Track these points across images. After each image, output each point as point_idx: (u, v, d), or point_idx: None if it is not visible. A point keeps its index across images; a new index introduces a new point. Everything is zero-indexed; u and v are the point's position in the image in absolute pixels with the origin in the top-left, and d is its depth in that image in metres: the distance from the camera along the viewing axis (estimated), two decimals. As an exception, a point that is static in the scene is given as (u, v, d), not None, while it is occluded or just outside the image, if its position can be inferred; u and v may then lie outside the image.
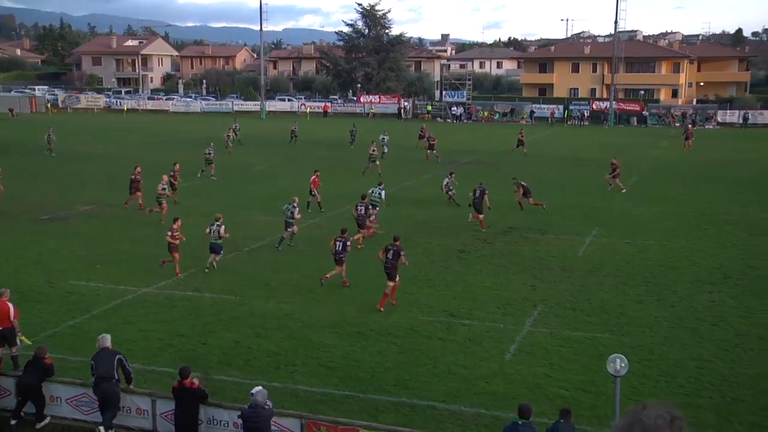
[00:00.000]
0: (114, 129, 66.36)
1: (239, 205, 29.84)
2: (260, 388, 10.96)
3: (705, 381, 14.00)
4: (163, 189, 27.04)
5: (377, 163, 38.30)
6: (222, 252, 20.82)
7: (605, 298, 18.85)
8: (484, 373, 14.30)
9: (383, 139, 47.40)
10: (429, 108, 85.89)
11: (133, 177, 28.90)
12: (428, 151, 46.63)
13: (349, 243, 19.31)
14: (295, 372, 14.20)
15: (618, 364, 10.23)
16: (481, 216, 25.97)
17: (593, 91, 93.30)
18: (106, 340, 12.11)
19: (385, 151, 46.15)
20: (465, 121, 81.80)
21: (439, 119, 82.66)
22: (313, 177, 29.16)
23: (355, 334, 16.22)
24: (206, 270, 20.54)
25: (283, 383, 13.60)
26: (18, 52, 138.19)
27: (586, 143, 58.53)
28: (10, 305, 13.62)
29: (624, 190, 34.10)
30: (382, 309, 17.48)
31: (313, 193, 28.77)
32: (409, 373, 14.21)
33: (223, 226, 20.59)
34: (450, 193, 30.87)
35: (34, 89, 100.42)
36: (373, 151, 39.15)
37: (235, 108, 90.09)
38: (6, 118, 77.56)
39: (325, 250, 22.41)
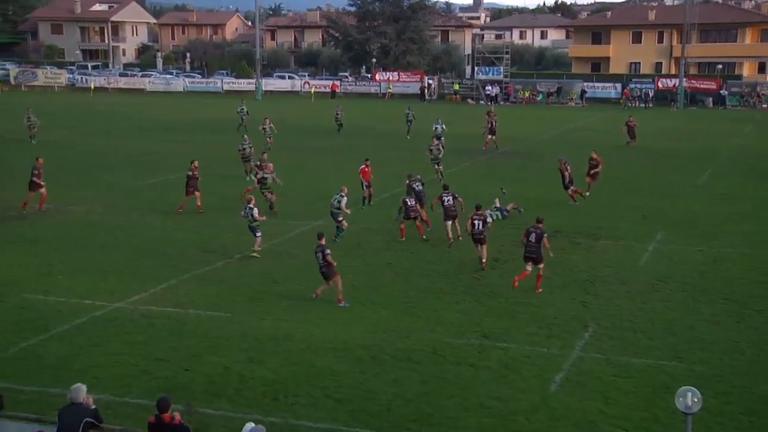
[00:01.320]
0: (78, 112, 66.93)
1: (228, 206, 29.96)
2: (254, 425, 10.98)
3: (795, 419, 13.90)
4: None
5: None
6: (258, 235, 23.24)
7: (673, 318, 18.76)
8: (523, 407, 14.26)
9: (436, 128, 48.12)
10: (456, 87, 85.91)
11: (190, 173, 28.89)
12: (490, 136, 46.88)
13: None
14: (296, 404, 14.23)
15: (689, 398, 10.16)
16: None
17: (658, 65, 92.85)
18: (78, 392, 11.58)
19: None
20: (501, 102, 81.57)
21: (469, 101, 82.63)
22: (363, 167, 30.36)
23: (368, 358, 16.23)
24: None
25: (281, 418, 13.64)
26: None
27: (648, 129, 58.18)
28: None
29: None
30: (516, 285, 20.19)
31: (367, 185, 30.17)
32: (433, 407, 14.20)
33: (255, 209, 23.29)
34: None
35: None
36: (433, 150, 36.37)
37: (225, 87, 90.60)
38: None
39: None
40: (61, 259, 22.93)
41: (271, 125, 43.46)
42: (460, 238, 24.69)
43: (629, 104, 76.82)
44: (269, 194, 28.70)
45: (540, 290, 20.38)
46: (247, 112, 53.60)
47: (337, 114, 53.70)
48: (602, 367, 15.98)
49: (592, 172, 32.43)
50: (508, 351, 16.70)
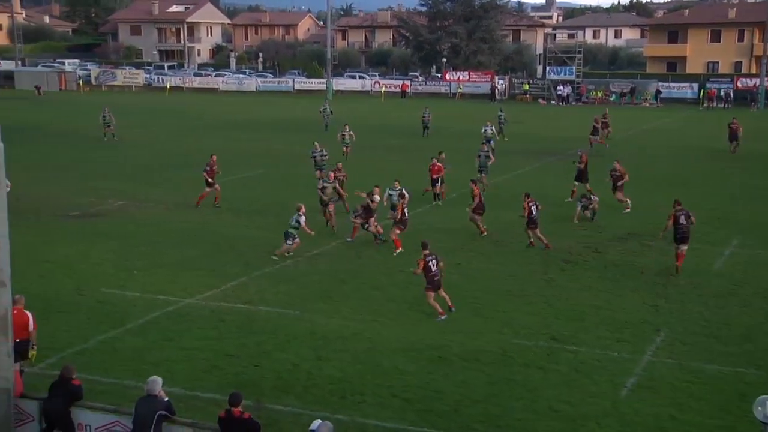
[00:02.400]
0: (154, 110, 68.37)
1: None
2: (321, 421, 11.08)
3: None
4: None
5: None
6: (291, 241, 23.01)
7: (750, 324, 18.32)
8: (593, 411, 14.09)
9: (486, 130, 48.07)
10: (526, 87, 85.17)
11: (208, 168, 29.36)
12: (603, 130, 46.88)
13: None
14: (363, 403, 14.31)
15: (769, 408, 9.92)
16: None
17: (738, 65, 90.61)
18: (154, 384, 11.96)
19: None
20: (573, 103, 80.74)
21: (540, 101, 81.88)
22: (434, 162, 30.21)
23: (436, 359, 16.23)
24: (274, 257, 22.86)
25: (348, 416, 13.72)
26: (46, 19, 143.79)
27: (726, 131, 56.82)
28: (29, 314, 14.17)
29: (627, 210, 29.53)
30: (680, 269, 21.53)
31: (439, 180, 30.05)
32: (501, 409, 14.12)
33: (303, 217, 22.96)
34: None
35: (64, 63, 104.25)
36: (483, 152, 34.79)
37: (297, 86, 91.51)
38: (31, 96, 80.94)
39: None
40: (137, 255, 23.45)
41: (351, 132, 40.95)
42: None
43: (709, 105, 75.19)
44: (328, 208, 26.49)
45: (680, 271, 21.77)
46: (331, 112, 53.29)
47: (425, 116, 51.98)
48: (675, 372, 15.68)
49: (619, 184, 29.74)
50: (577, 354, 16.52)
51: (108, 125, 47.64)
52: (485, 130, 41.32)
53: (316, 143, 33.95)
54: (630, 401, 14.49)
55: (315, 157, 33.02)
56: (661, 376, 15.53)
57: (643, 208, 29.80)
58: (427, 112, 52.84)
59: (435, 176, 30.17)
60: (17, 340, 13.74)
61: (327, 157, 33.17)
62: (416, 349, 16.66)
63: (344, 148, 39.72)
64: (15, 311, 13.73)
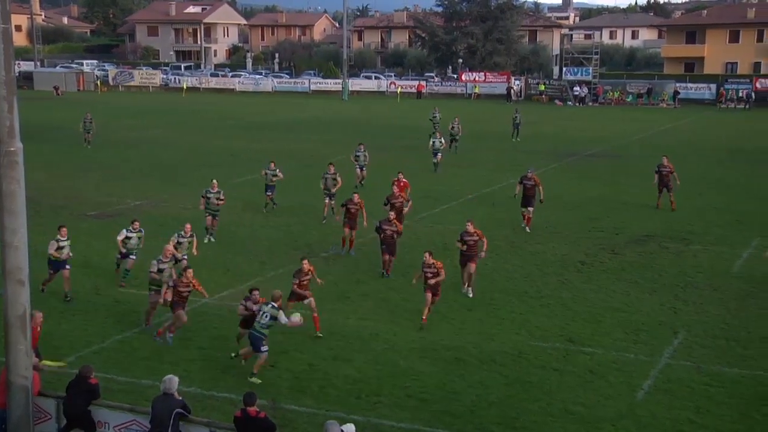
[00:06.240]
0: (171, 111, 68.63)
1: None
2: (332, 422, 11.05)
3: None
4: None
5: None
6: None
7: (768, 327, 18.19)
8: (609, 414, 14.04)
9: (516, 117, 49.16)
10: (542, 88, 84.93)
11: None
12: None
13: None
14: (379, 404, 14.32)
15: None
16: None
17: (757, 65, 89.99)
18: (170, 383, 12.03)
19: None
20: (590, 103, 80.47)
21: (557, 102, 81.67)
22: (399, 179, 27.12)
23: (452, 360, 16.21)
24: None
25: (364, 416, 13.73)
26: (65, 20, 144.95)
27: (744, 132, 56.58)
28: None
29: (674, 210, 29.34)
30: None
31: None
32: (517, 410, 14.10)
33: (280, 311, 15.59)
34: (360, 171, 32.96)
35: (82, 64, 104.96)
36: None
37: (313, 87, 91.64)
38: (50, 97, 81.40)
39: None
40: (155, 254, 23.49)
41: (366, 153, 33.79)
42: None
43: (725, 105, 74.85)
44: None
45: None
46: (440, 119, 49.43)
47: (453, 127, 43.82)
48: (692, 375, 15.60)
49: (671, 185, 29.58)
50: (594, 356, 16.46)
51: (88, 131, 45.59)
52: (433, 142, 38.16)
53: (360, 145, 34.06)
54: (647, 404, 14.43)
55: (358, 156, 33.43)
56: (678, 378, 15.45)
57: (660, 209, 29.68)
58: (437, 113, 50.58)
59: (397, 195, 25.43)
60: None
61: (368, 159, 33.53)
62: (433, 350, 16.66)
63: (358, 171, 33.58)
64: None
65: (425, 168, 37.50)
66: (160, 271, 17.79)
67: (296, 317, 15.62)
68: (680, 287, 21.01)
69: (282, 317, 15.09)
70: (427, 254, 18.19)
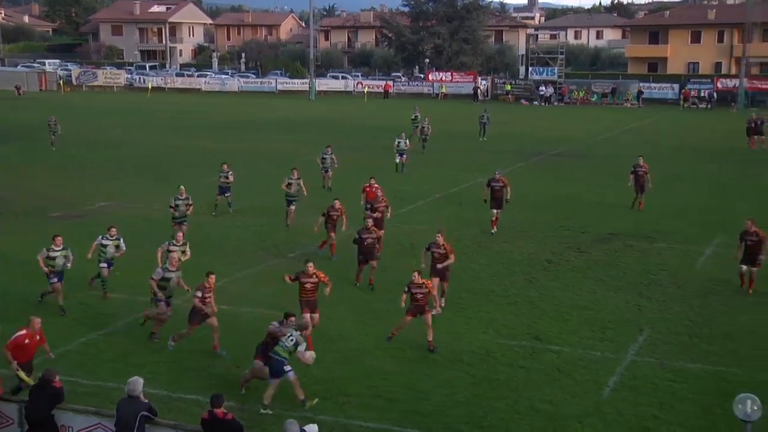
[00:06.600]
0: (137, 110, 68.05)
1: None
2: (291, 421, 11.05)
3: None
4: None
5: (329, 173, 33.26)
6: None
7: (731, 323, 18.43)
8: (576, 411, 14.15)
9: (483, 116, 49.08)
10: (508, 87, 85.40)
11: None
12: (756, 136, 46.74)
13: None
14: (347, 403, 14.32)
15: (749, 406, 10.01)
16: None
17: (718, 65, 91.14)
18: (135, 385, 11.87)
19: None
20: (555, 103, 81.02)
21: (523, 101, 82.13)
22: (372, 184, 26.25)
23: (420, 359, 16.25)
24: None
25: (332, 416, 13.72)
26: (26, 19, 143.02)
27: (706, 131, 57.32)
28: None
29: (641, 210, 29.51)
30: None
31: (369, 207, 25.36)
32: (484, 409, 14.16)
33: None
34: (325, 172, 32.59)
35: (44, 63, 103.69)
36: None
37: (279, 87, 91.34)
38: (11, 97, 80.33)
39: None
40: (121, 256, 23.29)
41: (333, 156, 33.12)
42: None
43: (689, 105, 75.78)
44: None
45: None
46: (421, 119, 47.60)
47: (423, 128, 44.61)
48: (657, 372, 15.77)
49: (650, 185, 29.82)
50: (560, 354, 16.59)
51: (53, 133, 45.08)
52: (398, 143, 37.84)
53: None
54: (612, 401, 14.56)
55: (324, 158, 32.90)
56: (643, 375, 15.61)
57: (625, 208, 29.97)
58: (418, 112, 49.43)
59: (369, 201, 25.17)
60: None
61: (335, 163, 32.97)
62: (401, 349, 16.68)
63: (324, 173, 33.16)
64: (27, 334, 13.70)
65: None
66: (165, 279, 16.95)
67: (310, 355, 14.62)
68: (645, 285, 21.24)
69: (303, 346, 14.37)
70: (416, 273, 16.81)
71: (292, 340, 14.14)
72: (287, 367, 13.96)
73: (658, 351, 16.81)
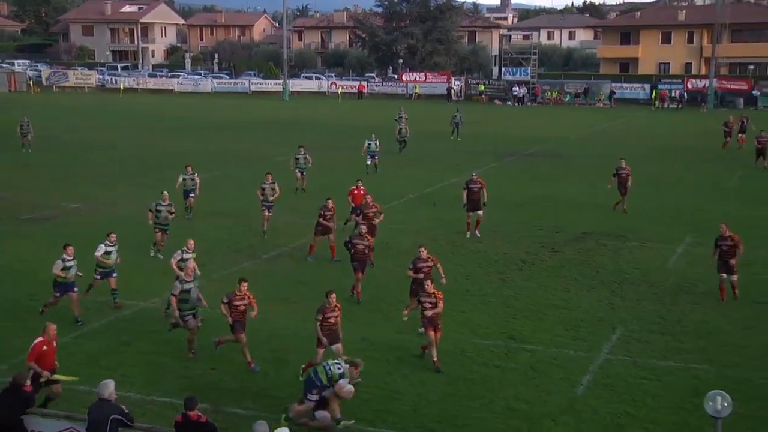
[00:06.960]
0: (108, 112, 67.53)
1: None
2: (264, 422, 11.00)
3: (826, 424, 13.72)
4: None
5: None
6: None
7: (702, 321, 18.61)
8: (550, 409, 14.21)
9: (456, 116, 49.47)
10: (482, 88, 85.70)
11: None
12: (740, 134, 46.94)
13: None
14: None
15: (719, 402, 10.08)
16: None
17: (688, 66, 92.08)
18: (105, 388, 11.73)
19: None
20: (529, 103, 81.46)
21: (496, 101, 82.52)
22: (359, 187, 26.07)
23: (394, 359, 16.24)
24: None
25: (307, 417, 13.65)
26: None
27: (677, 131, 57.85)
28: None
29: (614, 210, 29.85)
30: None
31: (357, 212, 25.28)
32: (459, 408, 14.18)
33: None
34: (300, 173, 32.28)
35: (13, 64, 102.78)
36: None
37: (253, 87, 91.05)
38: (-19, 98, 79.43)
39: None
40: (92, 258, 23.09)
41: (306, 156, 32.62)
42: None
43: (661, 105, 76.47)
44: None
45: None
46: (406, 118, 47.89)
47: (401, 129, 45.14)
48: (630, 369, 15.88)
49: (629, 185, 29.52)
50: (534, 353, 16.65)
51: (25, 135, 43.92)
52: (369, 144, 37.52)
53: (301, 148, 32.75)
54: (586, 399, 14.65)
55: (298, 159, 32.42)
56: (616, 373, 15.72)
57: (598, 207, 30.17)
58: (403, 113, 49.08)
59: (357, 205, 25.02)
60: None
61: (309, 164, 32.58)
62: (374, 349, 16.67)
63: (298, 175, 32.68)
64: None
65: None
66: (185, 291, 16.17)
67: (349, 389, 13.40)
68: (617, 283, 21.38)
69: (345, 381, 13.28)
70: (428, 283, 16.48)
71: (339, 369, 13.28)
72: (313, 396, 13.22)
73: (631, 349, 16.92)
